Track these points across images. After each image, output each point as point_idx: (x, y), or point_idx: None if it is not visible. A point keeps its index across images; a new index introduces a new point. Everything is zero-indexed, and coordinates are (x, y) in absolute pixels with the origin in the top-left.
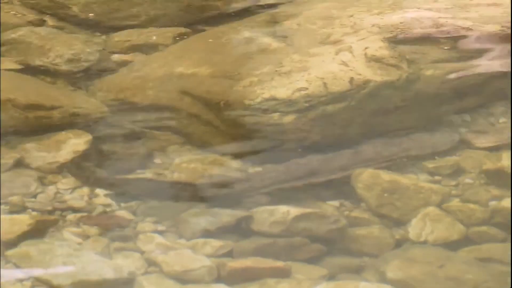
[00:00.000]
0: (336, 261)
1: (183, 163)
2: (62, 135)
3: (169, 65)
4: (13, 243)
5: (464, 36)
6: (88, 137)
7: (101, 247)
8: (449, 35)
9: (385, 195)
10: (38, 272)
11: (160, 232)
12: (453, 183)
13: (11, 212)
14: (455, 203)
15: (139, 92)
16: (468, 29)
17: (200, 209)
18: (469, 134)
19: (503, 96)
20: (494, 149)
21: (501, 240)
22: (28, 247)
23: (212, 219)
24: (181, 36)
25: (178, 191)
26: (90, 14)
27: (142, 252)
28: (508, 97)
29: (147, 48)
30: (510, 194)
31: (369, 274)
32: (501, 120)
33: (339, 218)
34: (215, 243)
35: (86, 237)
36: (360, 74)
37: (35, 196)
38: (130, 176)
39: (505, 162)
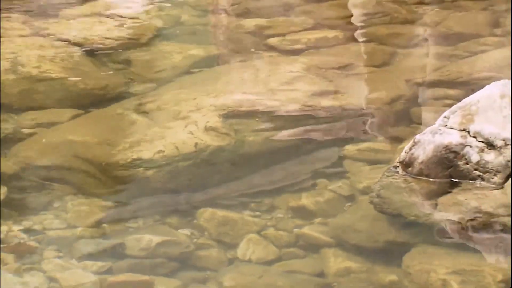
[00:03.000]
0: (187, 275)
1: (75, 207)
2: None
3: (65, 135)
4: None
5: (274, 113)
6: (4, 188)
7: (14, 269)
8: (264, 112)
9: (221, 226)
10: None
11: (59, 257)
12: (269, 216)
13: None
14: (271, 231)
15: (41, 155)
16: (277, 107)
17: (87, 239)
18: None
19: (303, 159)
20: (297, 191)
21: (302, 257)
22: None
23: (96, 246)
24: (75, 115)
25: (71, 226)
26: (7, 100)
27: (45, 272)
28: None
29: (48, 124)
30: (310, 224)
31: (211, 284)
32: (293, 169)
33: (189, 244)
34: (99, 264)
35: (5, 264)
36: (202, 140)
37: None
38: (36, 217)
39: (304, 200)
